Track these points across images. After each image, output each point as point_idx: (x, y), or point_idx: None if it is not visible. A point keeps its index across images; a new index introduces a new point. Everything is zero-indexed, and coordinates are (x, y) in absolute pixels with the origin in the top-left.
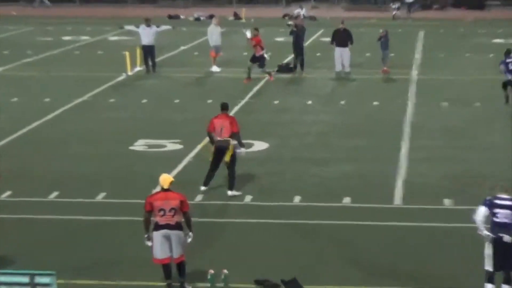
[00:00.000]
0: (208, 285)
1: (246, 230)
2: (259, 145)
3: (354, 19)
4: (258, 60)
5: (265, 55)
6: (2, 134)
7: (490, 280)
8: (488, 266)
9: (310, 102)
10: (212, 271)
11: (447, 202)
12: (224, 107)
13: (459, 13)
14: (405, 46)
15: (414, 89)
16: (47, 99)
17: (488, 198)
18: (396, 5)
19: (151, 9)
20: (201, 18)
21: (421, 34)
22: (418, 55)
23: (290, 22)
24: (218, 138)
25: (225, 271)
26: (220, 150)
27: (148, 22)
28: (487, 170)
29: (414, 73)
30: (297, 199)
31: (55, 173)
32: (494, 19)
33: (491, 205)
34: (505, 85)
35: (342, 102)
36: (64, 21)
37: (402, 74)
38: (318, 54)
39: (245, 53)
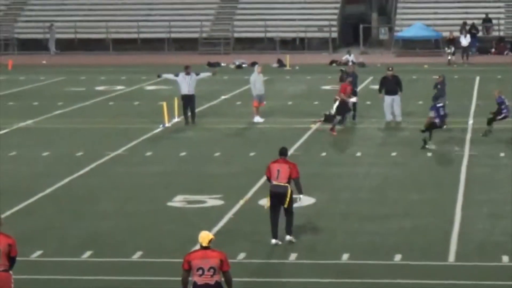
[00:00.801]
0: None
1: None
2: (306, 200)
3: (406, 65)
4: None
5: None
6: (32, 190)
7: None
8: None
9: (359, 154)
10: None
11: (505, 259)
12: (283, 152)
13: None
14: (461, 93)
15: (470, 138)
16: (79, 153)
17: None
18: (451, 49)
19: (190, 56)
20: (243, 65)
21: (477, 79)
22: (474, 103)
23: (342, 68)
24: (274, 183)
25: None
26: (275, 195)
27: (187, 69)
28: None
29: (471, 121)
30: (345, 256)
31: (89, 231)
32: None
33: None
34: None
35: (394, 154)
36: (97, 70)
37: (458, 123)
38: (368, 102)
39: (290, 102)
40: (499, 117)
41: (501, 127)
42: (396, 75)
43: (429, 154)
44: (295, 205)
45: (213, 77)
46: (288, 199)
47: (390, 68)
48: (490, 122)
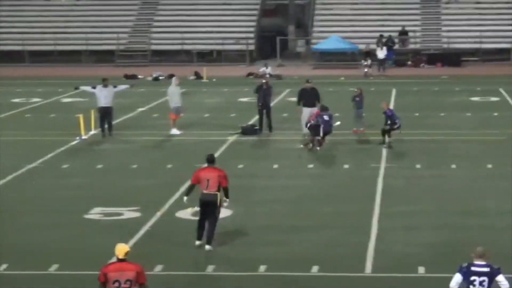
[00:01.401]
0: None
1: None
2: (223, 212)
3: (323, 78)
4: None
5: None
6: None
7: None
8: None
9: (276, 166)
10: None
11: (421, 270)
12: (210, 160)
13: (434, 70)
14: (378, 105)
15: (386, 151)
16: None
17: (464, 265)
18: (368, 62)
19: (107, 69)
20: (160, 77)
21: (394, 92)
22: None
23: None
24: (204, 192)
25: None
26: (205, 203)
27: (105, 82)
28: (472, 237)
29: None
30: (262, 268)
31: (5, 244)
32: (470, 75)
33: (467, 273)
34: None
35: (310, 166)
36: (13, 82)
37: (375, 135)
38: (284, 114)
39: (207, 115)
40: (395, 126)
41: (417, 138)
42: (314, 87)
43: (346, 166)
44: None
45: (131, 89)
46: (218, 208)
47: (309, 81)
48: (385, 133)
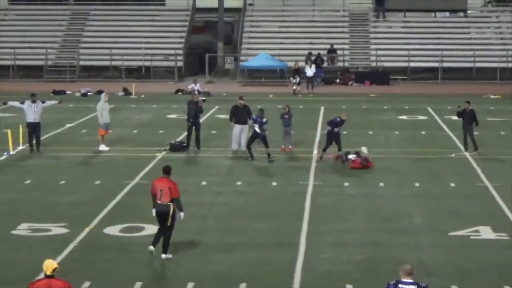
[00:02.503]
0: None
1: None
2: (151, 229)
3: (251, 95)
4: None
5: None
6: None
7: None
8: None
9: (204, 183)
10: None
11: None
12: (166, 171)
13: (363, 88)
14: (306, 123)
15: (315, 168)
16: None
17: (391, 282)
18: (297, 79)
19: (35, 84)
20: (89, 93)
21: (322, 109)
22: (319, 133)
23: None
24: (158, 202)
25: None
26: (159, 214)
27: (33, 97)
28: (400, 255)
29: (315, 152)
30: (190, 285)
31: None
32: (399, 94)
33: None
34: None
35: (239, 183)
36: None
37: (303, 152)
38: (213, 131)
39: (135, 131)
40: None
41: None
42: (246, 104)
43: (274, 183)
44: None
45: (59, 105)
46: (170, 218)
47: (242, 98)
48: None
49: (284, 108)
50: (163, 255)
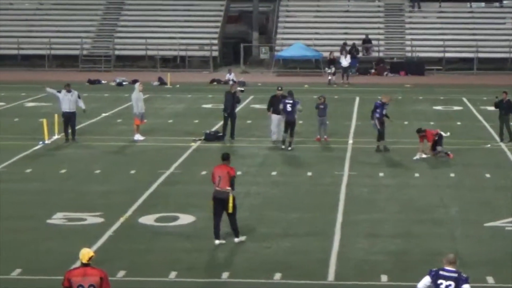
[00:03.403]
0: None
1: None
2: (185, 218)
3: (286, 85)
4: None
5: None
6: None
7: None
8: None
9: (240, 172)
10: None
11: (384, 279)
12: (224, 158)
13: (398, 78)
14: (342, 113)
15: (350, 158)
16: None
17: (434, 269)
18: (332, 69)
19: (70, 73)
20: (124, 83)
21: (357, 100)
22: (354, 123)
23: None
24: (216, 189)
25: None
26: (217, 200)
27: (68, 87)
28: (434, 246)
29: (350, 142)
30: (225, 275)
31: None
32: (434, 84)
33: (436, 276)
34: None
35: (274, 173)
36: None
37: (338, 143)
38: (248, 121)
39: (170, 121)
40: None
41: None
42: (285, 94)
43: (309, 173)
44: None
45: (94, 95)
46: (230, 204)
47: (280, 88)
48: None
49: (319, 99)
50: (236, 239)
